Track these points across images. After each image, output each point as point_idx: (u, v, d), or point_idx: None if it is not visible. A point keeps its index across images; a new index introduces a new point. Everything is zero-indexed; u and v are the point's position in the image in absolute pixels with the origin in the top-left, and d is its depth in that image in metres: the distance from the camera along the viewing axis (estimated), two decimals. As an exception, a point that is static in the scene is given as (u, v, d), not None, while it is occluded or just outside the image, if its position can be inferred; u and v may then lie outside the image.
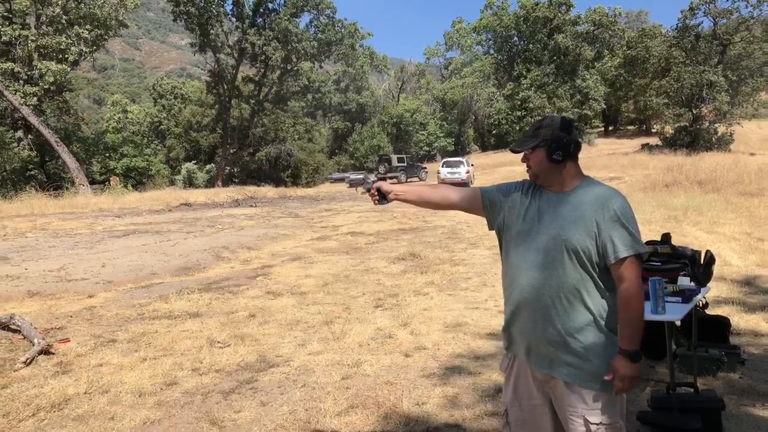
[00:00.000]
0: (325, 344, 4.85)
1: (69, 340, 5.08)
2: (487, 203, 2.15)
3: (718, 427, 3.03)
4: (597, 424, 1.89)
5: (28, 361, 4.47)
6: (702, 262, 3.63)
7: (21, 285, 7.33)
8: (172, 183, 39.61)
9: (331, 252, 9.72)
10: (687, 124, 34.55)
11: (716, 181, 16.16)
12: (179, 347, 4.87)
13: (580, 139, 2.07)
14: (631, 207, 1.94)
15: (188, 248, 10.11)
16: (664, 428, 2.93)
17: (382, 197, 2.30)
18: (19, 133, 31.57)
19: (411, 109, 59.20)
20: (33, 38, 28.78)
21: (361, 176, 2.39)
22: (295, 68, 42.03)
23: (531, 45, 55.53)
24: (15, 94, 27.30)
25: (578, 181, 2.00)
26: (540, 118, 2.17)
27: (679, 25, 37.06)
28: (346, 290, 6.85)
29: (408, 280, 7.25)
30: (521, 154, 2.08)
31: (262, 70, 40.66)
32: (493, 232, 2.18)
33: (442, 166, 29.10)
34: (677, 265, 3.54)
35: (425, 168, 35.93)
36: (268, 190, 26.70)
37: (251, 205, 19.19)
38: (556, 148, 1.96)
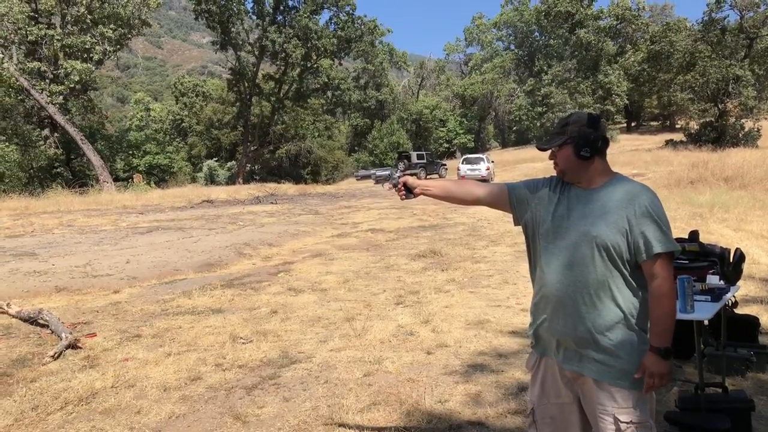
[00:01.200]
0: (346, 341, 4.86)
1: (96, 335, 5.17)
2: (514, 200, 2.14)
3: (748, 428, 2.97)
4: (627, 423, 1.86)
5: (56, 355, 4.55)
6: (731, 260, 3.55)
7: (48, 280, 7.48)
8: (193, 180, 40.14)
9: (351, 249, 9.74)
10: (712, 119, 33.87)
11: (743, 178, 15.81)
12: (202, 343, 4.92)
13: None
14: (661, 203, 1.91)
15: (210, 245, 10.21)
16: (693, 429, 2.89)
17: (409, 192, 2.31)
18: (46, 132, 32.18)
19: (430, 105, 59.00)
20: (58, 38, 29.24)
21: (387, 172, 2.41)
22: (315, 65, 42.12)
23: (552, 40, 54.99)
24: (41, 93, 27.82)
25: (607, 178, 1.98)
26: (565, 114, 2.15)
27: (705, 18, 36.29)
28: (367, 287, 6.86)
29: (429, 278, 7.23)
30: (545, 151, 2.07)
31: (283, 68, 40.81)
32: (516, 228, 2.18)
33: (462, 163, 28.96)
34: (706, 263, 3.47)
35: (445, 165, 35.80)
36: (288, 188, 26.84)
37: (272, 202, 19.32)
38: (583, 145, 1.95)
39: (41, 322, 5.36)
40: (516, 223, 2.18)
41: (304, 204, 18.78)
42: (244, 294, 6.70)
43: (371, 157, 50.10)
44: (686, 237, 3.73)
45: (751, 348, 3.99)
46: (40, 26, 29.30)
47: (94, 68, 31.35)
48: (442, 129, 60.08)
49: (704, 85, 33.70)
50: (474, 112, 62.37)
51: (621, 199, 1.90)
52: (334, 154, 49.23)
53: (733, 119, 33.76)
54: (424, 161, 33.90)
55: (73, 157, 32.54)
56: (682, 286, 2.83)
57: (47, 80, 29.51)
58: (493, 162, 30.01)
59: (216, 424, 3.43)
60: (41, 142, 32.23)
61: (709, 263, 3.47)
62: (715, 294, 3.14)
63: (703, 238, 3.82)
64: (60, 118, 27.62)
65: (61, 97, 29.35)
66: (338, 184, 38.68)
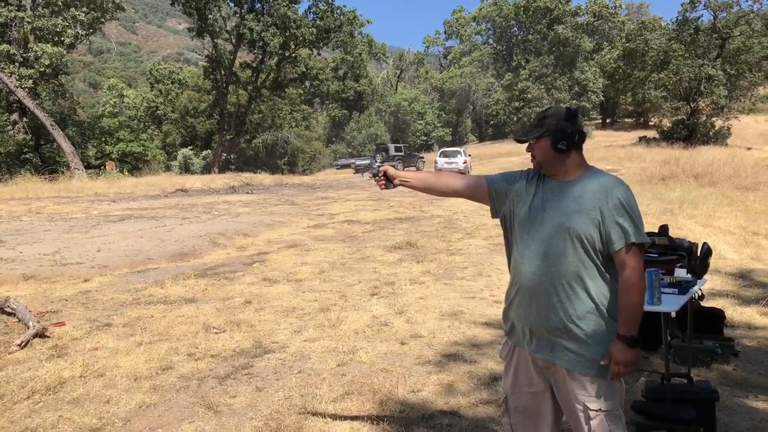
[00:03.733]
0: (320, 331, 4.85)
1: (64, 324, 5.07)
2: (492, 192, 2.16)
3: (712, 417, 3.05)
4: (596, 411, 1.90)
5: (23, 344, 4.46)
6: (699, 254, 3.63)
7: (16, 268, 7.31)
8: (168, 168, 39.45)
9: (327, 240, 9.71)
10: (684, 117, 34.53)
11: (712, 175, 16.19)
12: (175, 332, 4.86)
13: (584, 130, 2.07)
14: (634, 196, 1.94)
15: (184, 234, 10.08)
16: (658, 418, 2.95)
17: (388, 182, 2.32)
18: (14, 116, 31.32)
19: (409, 98, 59.01)
20: (29, 20, 28.44)
21: (366, 161, 2.42)
22: (293, 55, 41.70)
23: (530, 35, 55.33)
24: (10, 76, 27.05)
25: (582, 171, 2.02)
26: (544, 108, 2.18)
27: (679, 18, 36.91)
28: (342, 278, 6.85)
29: (404, 269, 7.25)
30: (523, 144, 2.09)
31: (260, 57, 40.34)
32: (492, 221, 2.20)
33: (440, 156, 29.02)
34: (674, 256, 3.54)
35: (422, 157, 35.82)
36: (264, 178, 26.59)
37: (247, 192, 19.14)
38: (560, 138, 1.97)
39: (8, 310, 5.24)
40: (493, 216, 2.20)
41: (280, 194, 18.64)
42: (217, 284, 6.63)
43: (349, 148, 49.95)
44: (656, 231, 3.80)
45: (716, 340, 4.09)
46: (10, 8, 28.45)
47: (65, 52, 30.60)
48: (420, 122, 60.15)
49: (677, 84, 34.30)
50: (452, 105, 62.57)
51: (595, 191, 1.93)
52: (311, 144, 48.95)
53: (704, 118, 34.45)
54: (402, 153, 33.87)
55: (42, 142, 31.72)
56: (650, 279, 2.88)
57: (17, 63, 28.72)
58: (470, 155, 30.14)
59: (187, 414, 3.40)
60: (9, 127, 31.37)
61: (677, 257, 3.54)
62: (683, 287, 3.20)
63: (673, 233, 3.90)
64: (29, 103, 26.89)
65: (30, 81, 28.60)
66: (315, 174, 38.48)
